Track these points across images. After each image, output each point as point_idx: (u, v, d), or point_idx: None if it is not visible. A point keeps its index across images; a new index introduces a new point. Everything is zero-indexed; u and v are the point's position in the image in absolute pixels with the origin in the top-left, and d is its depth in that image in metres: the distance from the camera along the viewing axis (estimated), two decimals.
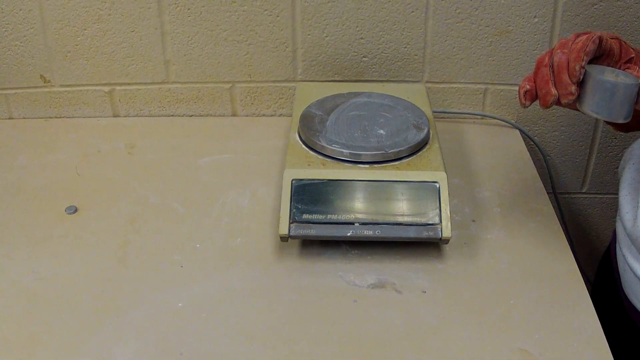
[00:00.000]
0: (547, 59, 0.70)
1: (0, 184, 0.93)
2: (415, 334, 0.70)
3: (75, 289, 0.75)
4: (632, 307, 0.78)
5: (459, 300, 0.74)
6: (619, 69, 0.71)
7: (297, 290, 0.75)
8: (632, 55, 0.71)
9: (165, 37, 1.03)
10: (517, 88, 1.06)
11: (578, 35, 0.70)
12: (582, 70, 0.68)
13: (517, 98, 0.73)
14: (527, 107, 0.71)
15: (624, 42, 0.71)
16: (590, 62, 0.70)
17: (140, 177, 0.94)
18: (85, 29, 1.02)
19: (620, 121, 0.69)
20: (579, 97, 0.70)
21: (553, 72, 0.69)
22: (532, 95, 0.70)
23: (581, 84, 0.69)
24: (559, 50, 0.69)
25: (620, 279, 0.80)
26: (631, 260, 0.75)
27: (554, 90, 0.69)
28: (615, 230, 0.85)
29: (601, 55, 0.70)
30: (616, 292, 0.82)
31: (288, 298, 0.74)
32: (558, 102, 0.69)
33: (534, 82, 0.70)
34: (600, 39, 0.69)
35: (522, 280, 0.76)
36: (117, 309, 0.72)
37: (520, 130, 1.07)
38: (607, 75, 0.69)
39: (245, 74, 1.06)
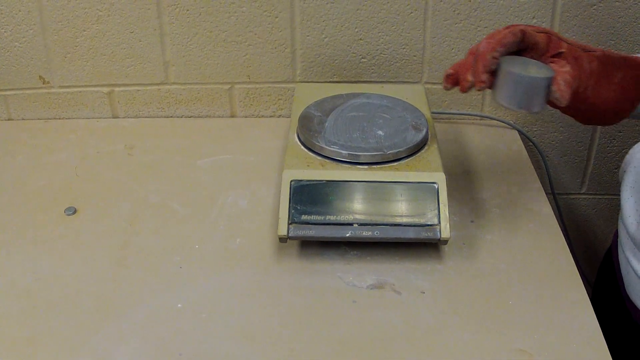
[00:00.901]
0: (473, 49, 0.73)
1: None
2: (414, 334, 0.70)
3: (74, 290, 0.75)
4: (635, 308, 0.78)
5: (458, 301, 0.74)
6: (545, 62, 0.73)
7: (297, 291, 0.75)
8: (562, 50, 0.73)
9: (165, 38, 1.03)
10: None
11: (508, 27, 0.73)
12: (495, 61, 0.71)
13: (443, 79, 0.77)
14: (449, 89, 0.76)
15: (555, 37, 0.73)
16: (516, 54, 0.73)
17: (139, 178, 0.94)
18: (85, 30, 1.02)
19: (531, 112, 0.73)
20: (494, 88, 0.73)
21: (476, 60, 0.72)
22: (453, 80, 0.75)
23: (496, 75, 0.72)
24: (485, 40, 0.72)
25: (622, 281, 0.80)
26: (635, 263, 0.75)
27: (469, 77, 0.72)
28: (616, 232, 0.85)
29: (526, 48, 0.73)
30: (618, 294, 0.82)
31: (287, 299, 0.74)
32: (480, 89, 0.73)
33: (457, 68, 0.75)
34: (523, 32, 0.72)
35: (521, 281, 0.76)
36: (117, 309, 0.72)
37: (519, 131, 1.07)
38: (528, 68, 0.72)
39: (244, 75, 1.06)
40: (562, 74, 0.72)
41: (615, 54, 0.77)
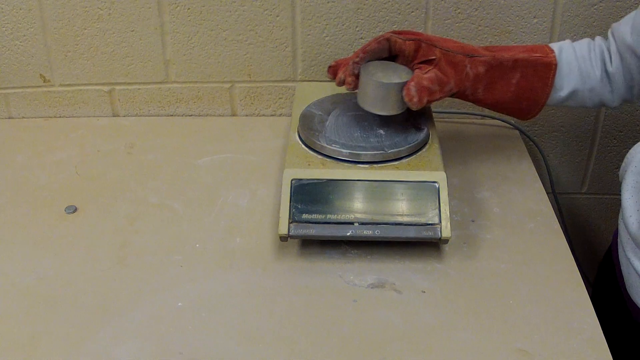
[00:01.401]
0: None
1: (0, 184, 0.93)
2: (414, 333, 0.70)
3: (74, 289, 0.75)
4: (636, 308, 0.78)
5: (458, 300, 0.74)
6: (413, 67, 0.82)
7: (297, 290, 0.75)
8: (433, 57, 0.80)
9: (165, 36, 1.03)
10: None
11: (379, 36, 0.82)
12: (356, 66, 0.81)
13: None
14: (330, 80, 0.85)
15: (426, 44, 0.81)
16: (391, 59, 0.83)
17: (139, 177, 0.94)
18: (85, 29, 1.02)
19: (389, 114, 0.82)
20: (357, 91, 0.83)
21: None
22: (332, 72, 0.85)
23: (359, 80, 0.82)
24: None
25: (623, 280, 0.80)
26: (636, 263, 0.75)
27: (340, 74, 0.83)
28: (616, 232, 0.85)
29: (396, 55, 0.82)
30: (618, 294, 0.82)
31: (288, 298, 0.74)
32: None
33: (339, 63, 0.85)
34: (388, 40, 0.81)
35: (521, 280, 0.76)
36: (117, 308, 0.72)
37: (520, 131, 1.07)
38: (389, 73, 0.81)
39: (245, 73, 1.06)
40: (417, 78, 0.79)
41: (505, 57, 0.83)
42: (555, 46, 0.85)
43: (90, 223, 0.85)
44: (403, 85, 0.80)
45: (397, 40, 0.81)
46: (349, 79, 0.82)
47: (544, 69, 0.84)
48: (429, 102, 0.80)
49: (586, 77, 0.85)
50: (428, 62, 0.81)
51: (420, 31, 0.85)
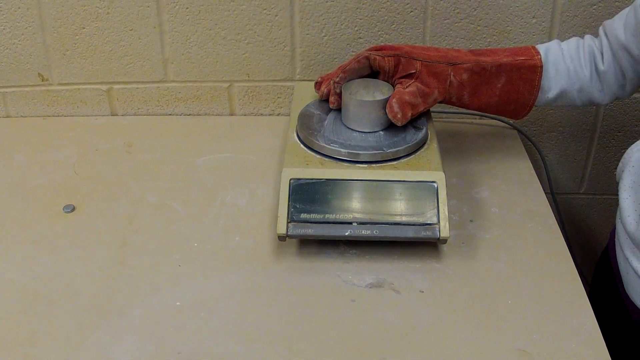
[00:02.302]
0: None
1: None
2: (413, 333, 0.70)
3: (73, 288, 0.75)
4: (634, 307, 0.78)
5: (456, 300, 0.74)
6: (394, 83, 0.84)
7: (295, 290, 0.75)
8: (413, 71, 0.82)
9: (164, 36, 1.03)
10: None
11: (358, 55, 0.85)
12: (337, 85, 0.84)
13: None
14: (317, 93, 0.89)
15: (406, 58, 0.82)
16: (372, 76, 0.85)
17: (138, 176, 0.94)
18: (84, 28, 1.02)
19: (370, 130, 0.83)
20: (342, 110, 0.85)
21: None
22: (318, 87, 0.89)
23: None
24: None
25: (620, 280, 0.80)
26: (634, 262, 0.75)
27: (323, 88, 0.87)
28: (613, 231, 0.85)
29: (377, 71, 0.84)
30: (616, 293, 0.82)
31: (286, 297, 0.74)
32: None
33: (324, 78, 0.89)
34: (367, 58, 0.83)
35: (520, 280, 0.76)
36: (116, 307, 0.72)
37: (518, 131, 1.07)
38: (371, 90, 0.84)
39: (243, 73, 1.06)
40: (399, 94, 0.81)
41: (489, 62, 0.84)
42: (542, 47, 0.86)
43: (88, 222, 0.85)
44: (385, 102, 0.82)
45: (376, 58, 0.83)
46: (332, 98, 0.85)
47: (529, 71, 0.84)
48: (413, 115, 0.82)
49: (575, 77, 0.85)
50: (409, 76, 0.82)
51: (400, 44, 0.86)
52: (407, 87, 0.81)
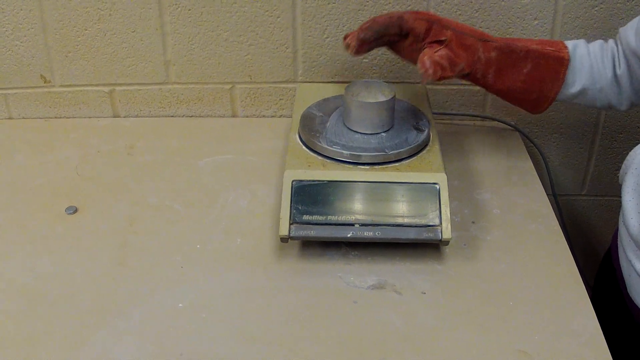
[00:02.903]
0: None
1: (0, 184, 0.93)
2: (414, 335, 0.70)
3: (75, 289, 0.75)
4: (637, 309, 0.78)
5: (458, 302, 0.74)
6: (424, 47, 0.82)
7: (297, 291, 0.75)
8: (444, 38, 0.81)
9: (166, 37, 1.03)
10: None
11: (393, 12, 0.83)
12: (362, 32, 0.82)
13: None
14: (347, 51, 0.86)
15: (438, 25, 0.81)
16: (397, 42, 0.84)
17: (140, 178, 0.94)
18: (86, 29, 1.02)
19: (371, 132, 0.82)
20: (343, 112, 0.85)
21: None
22: (345, 38, 0.86)
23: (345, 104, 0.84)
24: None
25: (623, 282, 0.80)
26: (638, 265, 0.75)
27: (348, 39, 0.85)
28: (615, 234, 0.85)
29: (406, 34, 0.82)
30: (618, 295, 0.82)
31: (288, 299, 0.74)
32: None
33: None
34: (400, 17, 0.81)
35: (521, 282, 0.76)
36: (118, 309, 0.72)
37: (520, 132, 1.07)
38: (372, 91, 0.83)
39: (245, 74, 1.06)
40: (430, 53, 0.79)
41: (518, 46, 0.83)
42: (569, 43, 0.85)
43: (90, 224, 0.85)
44: (386, 104, 0.82)
45: (409, 19, 0.81)
46: (353, 43, 0.83)
47: (556, 62, 0.84)
48: (442, 78, 0.80)
49: (597, 77, 0.85)
50: (439, 42, 0.81)
51: (436, 14, 0.86)
52: (436, 50, 0.80)
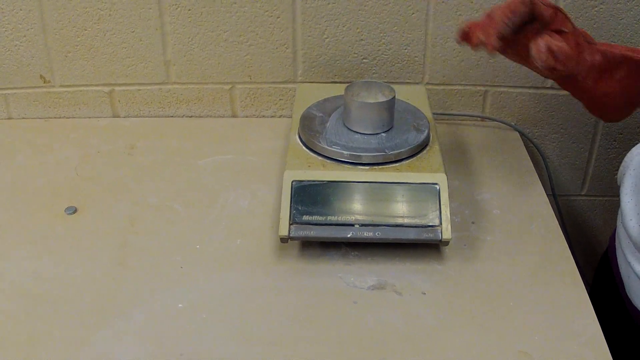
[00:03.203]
0: (490, 10, 0.74)
1: (0, 184, 0.93)
2: (415, 335, 0.70)
3: (75, 290, 0.75)
4: (636, 311, 0.78)
5: (458, 302, 0.74)
6: (546, 34, 0.73)
7: (297, 292, 0.75)
8: (566, 30, 0.74)
9: (166, 37, 1.03)
10: (517, 90, 1.07)
11: None
12: (506, 27, 0.71)
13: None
14: (460, 44, 0.76)
15: (562, 15, 0.74)
16: (521, 26, 0.73)
17: (140, 178, 0.94)
18: (86, 29, 1.02)
19: (372, 132, 0.81)
20: (343, 112, 0.84)
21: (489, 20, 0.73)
22: (465, 35, 0.75)
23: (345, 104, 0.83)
24: (497, 7, 0.72)
25: (621, 283, 0.80)
26: (636, 266, 0.75)
27: (481, 35, 0.72)
28: (613, 235, 0.85)
29: (532, 19, 0.73)
30: (617, 295, 0.82)
31: (288, 299, 0.74)
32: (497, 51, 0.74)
33: (471, 25, 0.75)
34: (532, 3, 0.72)
35: (521, 282, 0.76)
36: (117, 310, 0.72)
37: (520, 132, 1.07)
38: (372, 91, 0.82)
39: (245, 75, 1.06)
40: (548, 39, 0.72)
41: (616, 51, 0.78)
42: None
43: (90, 224, 0.85)
44: (386, 104, 0.81)
45: (539, 4, 0.73)
46: (494, 40, 0.71)
47: None
48: (551, 69, 0.73)
49: None
50: (559, 32, 0.74)
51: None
52: (556, 40, 0.72)
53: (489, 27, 0.72)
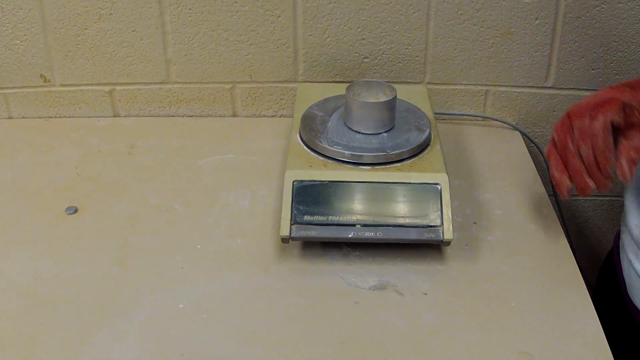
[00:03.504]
0: (570, 145, 0.69)
1: (0, 184, 0.92)
2: (416, 335, 0.69)
3: (75, 290, 0.75)
4: (637, 311, 0.77)
5: (460, 303, 0.73)
6: (624, 144, 0.69)
7: (298, 292, 0.75)
8: (635, 121, 0.68)
9: (166, 37, 1.03)
10: (518, 90, 1.07)
11: (595, 107, 0.68)
12: (612, 169, 0.68)
13: (554, 185, 0.73)
14: (565, 198, 0.72)
15: (629, 108, 0.68)
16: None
17: (140, 178, 0.94)
18: (86, 29, 1.02)
19: (373, 132, 0.81)
20: (344, 112, 0.84)
21: (584, 163, 0.69)
22: (569, 189, 0.71)
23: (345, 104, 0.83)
24: (582, 143, 0.68)
25: (624, 283, 0.80)
26: (638, 266, 0.75)
27: (591, 183, 0.69)
28: (617, 234, 0.85)
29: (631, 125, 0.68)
30: (619, 296, 0.82)
31: (289, 299, 0.74)
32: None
33: (568, 173, 0.70)
34: (626, 108, 0.66)
35: (523, 283, 0.76)
36: (118, 310, 0.72)
37: (521, 132, 1.07)
38: (374, 91, 0.83)
39: (246, 74, 1.06)
40: (626, 150, 0.67)
41: None
42: None
43: (90, 224, 0.85)
44: (387, 103, 0.81)
45: (634, 109, 0.68)
46: (608, 182, 0.69)
47: None
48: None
49: None
50: (631, 124, 0.69)
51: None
52: (631, 139, 0.68)
53: (595, 174, 0.68)
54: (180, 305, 0.73)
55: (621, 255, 0.80)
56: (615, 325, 0.79)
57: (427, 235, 0.76)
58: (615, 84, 0.74)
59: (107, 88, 1.07)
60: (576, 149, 0.70)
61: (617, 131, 0.69)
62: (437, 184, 0.78)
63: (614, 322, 0.80)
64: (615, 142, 0.69)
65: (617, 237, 0.85)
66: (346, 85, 0.85)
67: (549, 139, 1.10)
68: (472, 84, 1.07)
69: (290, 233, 0.76)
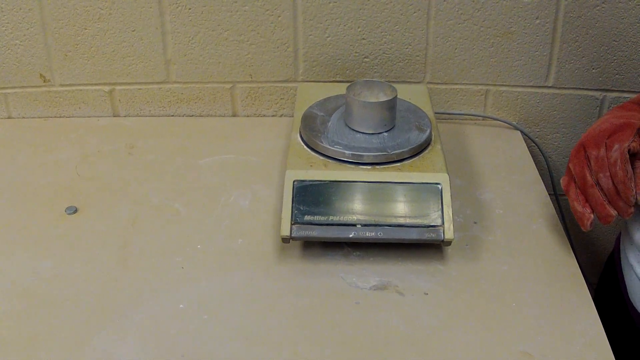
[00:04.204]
0: (588, 176, 0.69)
1: (0, 184, 0.93)
2: (417, 336, 0.69)
3: (75, 290, 0.75)
4: (638, 314, 0.77)
5: (460, 303, 0.73)
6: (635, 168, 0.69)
7: (299, 292, 0.75)
8: None
9: (166, 36, 1.02)
10: (519, 89, 1.07)
11: (609, 135, 0.67)
12: (636, 196, 0.67)
13: (576, 217, 0.73)
14: (586, 230, 0.72)
15: (638, 137, 0.68)
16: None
17: (140, 178, 0.93)
18: (86, 28, 1.02)
19: (373, 132, 0.81)
20: (345, 112, 0.84)
21: (604, 193, 0.69)
22: (592, 222, 0.72)
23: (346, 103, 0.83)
24: (601, 174, 0.68)
25: (625, 286, 0.80)
26: (638, 269, 0.74)
27: (612, 212, 0.69)
28: (619, 236, 0.84)
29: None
30: (620, 298, 0.82)
31: (290, 299, 0.74)
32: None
33: (589, 204, 0.71)
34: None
35: (524, 283, 0.76)
36: (118, 310, 0.72)
37: (522, 132, 1.07)
38: (374, 91, 0.83)
39: (246, 74, 1.06)
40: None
41: None
42: None
43: (91, 224, 0.85)
44: (388, 103, 0.81)
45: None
46: (630, 210, 0.69)
47: None
48: None
49: None
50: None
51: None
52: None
53: (617, 203, 0.68)
54: (181, 306, 0.73)
55: (622, 257, 0.80)
56: (616, 329, 0.79)
57: (428, 235, 0.76)
58: (622, 103, 0.73)
59: (106, 88, 1.07)
60: (595, 180, 0.69)
61: (634, 156, 0.68)
62: (438, 183, 0.78)
63: (615, 326, 0.79)
64: (632, 166, 0.69)
65: (618, 239, 0.85)
66: (346, 85, 0.85)
67: (549, 139, 1.11)
68: (472, 84, 1.06)
69: (290, 233, 0.76)
